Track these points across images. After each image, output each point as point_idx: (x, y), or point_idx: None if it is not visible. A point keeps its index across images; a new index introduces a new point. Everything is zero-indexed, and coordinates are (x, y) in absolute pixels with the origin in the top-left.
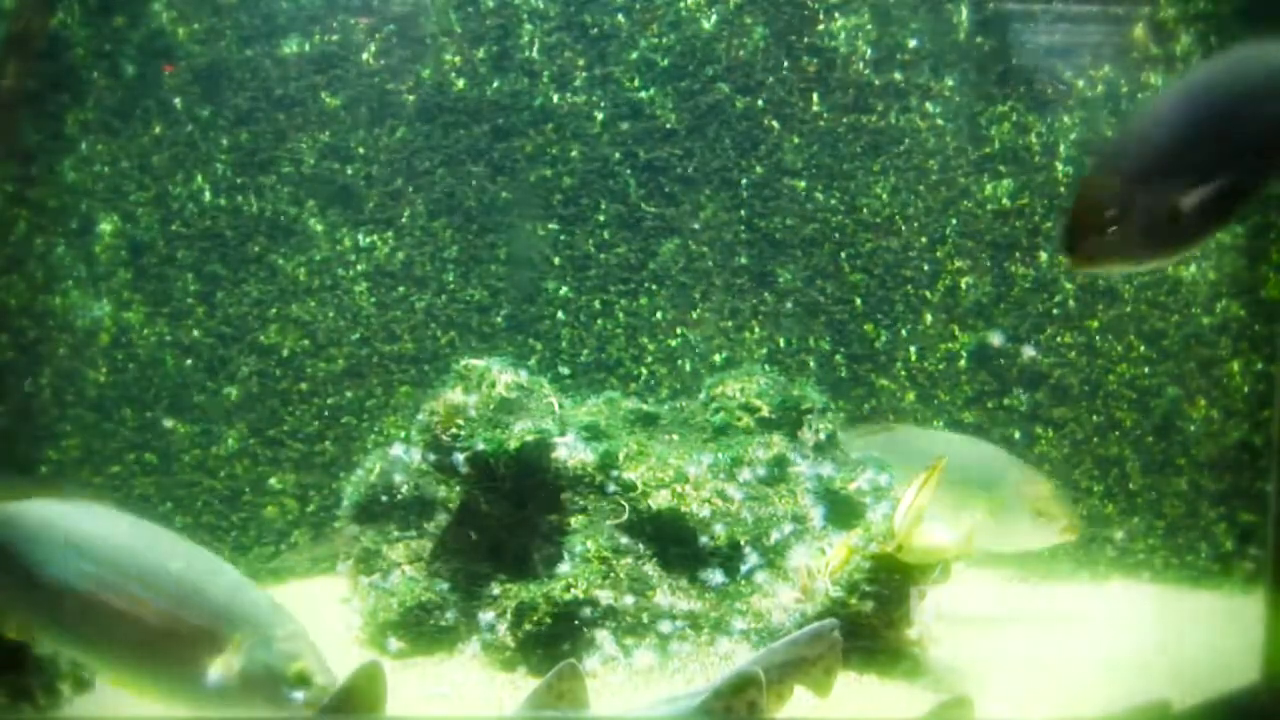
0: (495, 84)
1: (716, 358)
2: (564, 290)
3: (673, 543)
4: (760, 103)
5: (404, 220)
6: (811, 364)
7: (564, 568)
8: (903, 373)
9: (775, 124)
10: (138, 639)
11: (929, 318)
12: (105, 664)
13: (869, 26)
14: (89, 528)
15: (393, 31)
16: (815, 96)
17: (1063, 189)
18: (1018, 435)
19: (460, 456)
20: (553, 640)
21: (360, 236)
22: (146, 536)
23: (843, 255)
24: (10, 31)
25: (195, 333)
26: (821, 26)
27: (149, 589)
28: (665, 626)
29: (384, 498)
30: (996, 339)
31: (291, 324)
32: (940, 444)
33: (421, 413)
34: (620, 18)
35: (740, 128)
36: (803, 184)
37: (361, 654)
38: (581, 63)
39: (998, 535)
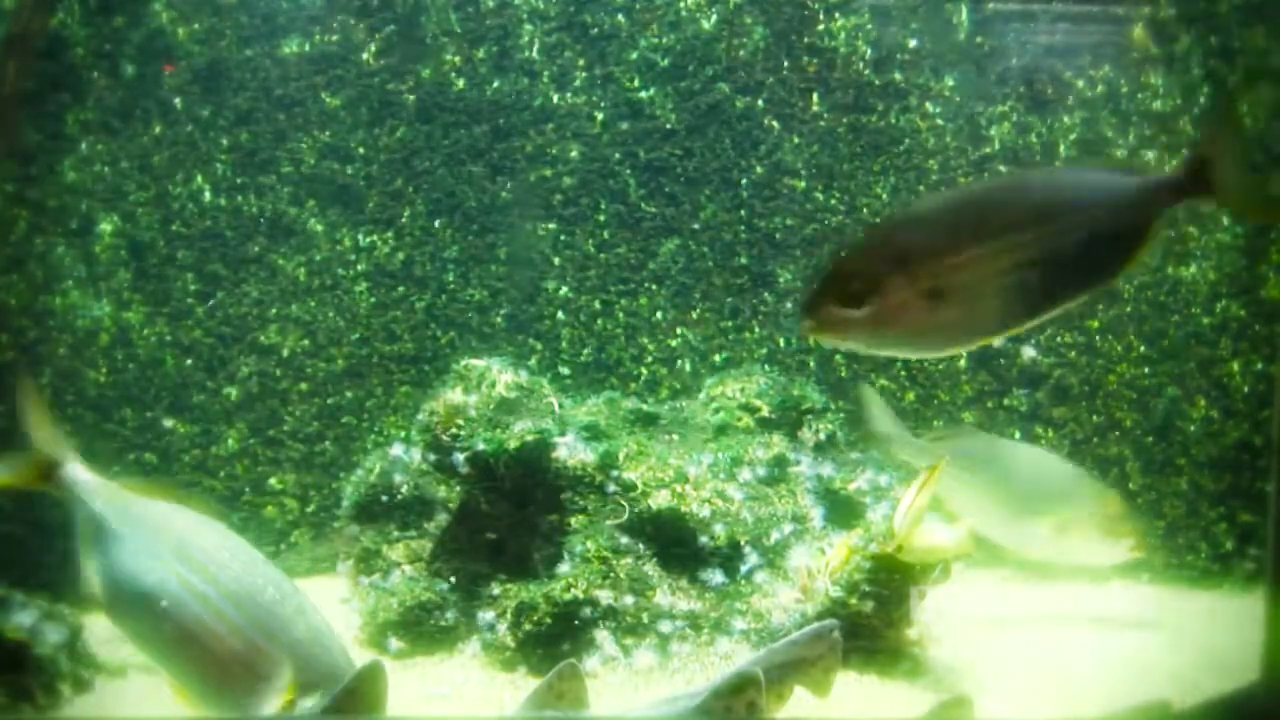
0: (495, 84)
1: (716, 358)
2: (564, 290)
3: (673, 543)
4: (760, 103)
5: (404, 220)
6: (811, 364)
7: (564, 568)
8: (903, 373)
9: (775, 124)
10: (212, 658)
11: None
12: (173, 672)
13: (869, 26)
14: (196, 536)
15: (393, 31)
16: (815, 96)
17: None
18: (1018, 435)
19: (460, 456)
20: (553, 640)
21: (360, 236)
22: (247, 559)
23: None
24: (10, 31)
25: (195, 333)
26: (821, 26)
27: (238, 612)
28: (665, 626)
29: (384, 498)
30: (997, 339)
31: (291, 324)
32: (1011, 454)
33: (421, 413)
34: (620, 18)
35: (740, 128)
36: (803, 184)
37: (361, 654)
38: (581, 63)
39: (1064, 550)
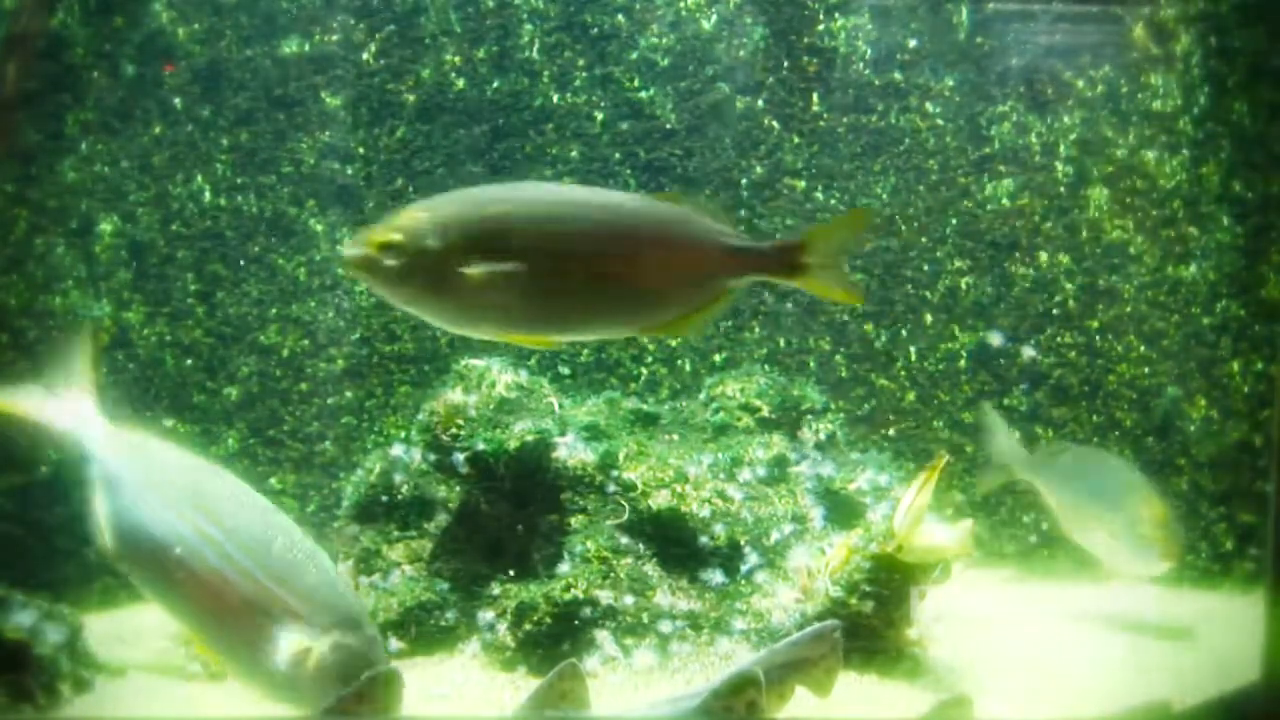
0: (495, 84)
1: (716, 358)
2: None
3: (673, 543)
4: (760, 103)
5: None
6: (811, 364)
7: (564, 568)
8: (903, 373)
9: (775, 124)
10: (225, 604)
11: (929, 318)
12: (187, 621)
13: (869, 26)
14: (206, 482)
15: (393, 31)
16: (815, 96)
17: (1063, 189)
18: (1018, 435)
19: (460, 456)
20: (553, 640)
21: None
22: (256, 506)
23: None
24: (10, 31)
25: (195, 333)
26: (821, 26)
27: (250, 557)
28: (665, 626)
29: (384, 498)
30: (996, 339)
31: (291, 324)
32: (1104, 466)
33: (421, 413)
34: (620, 18)
35: (740, 128)
36: (802, 184)
37: None
38: (581, 63)
39: (1116, 557)
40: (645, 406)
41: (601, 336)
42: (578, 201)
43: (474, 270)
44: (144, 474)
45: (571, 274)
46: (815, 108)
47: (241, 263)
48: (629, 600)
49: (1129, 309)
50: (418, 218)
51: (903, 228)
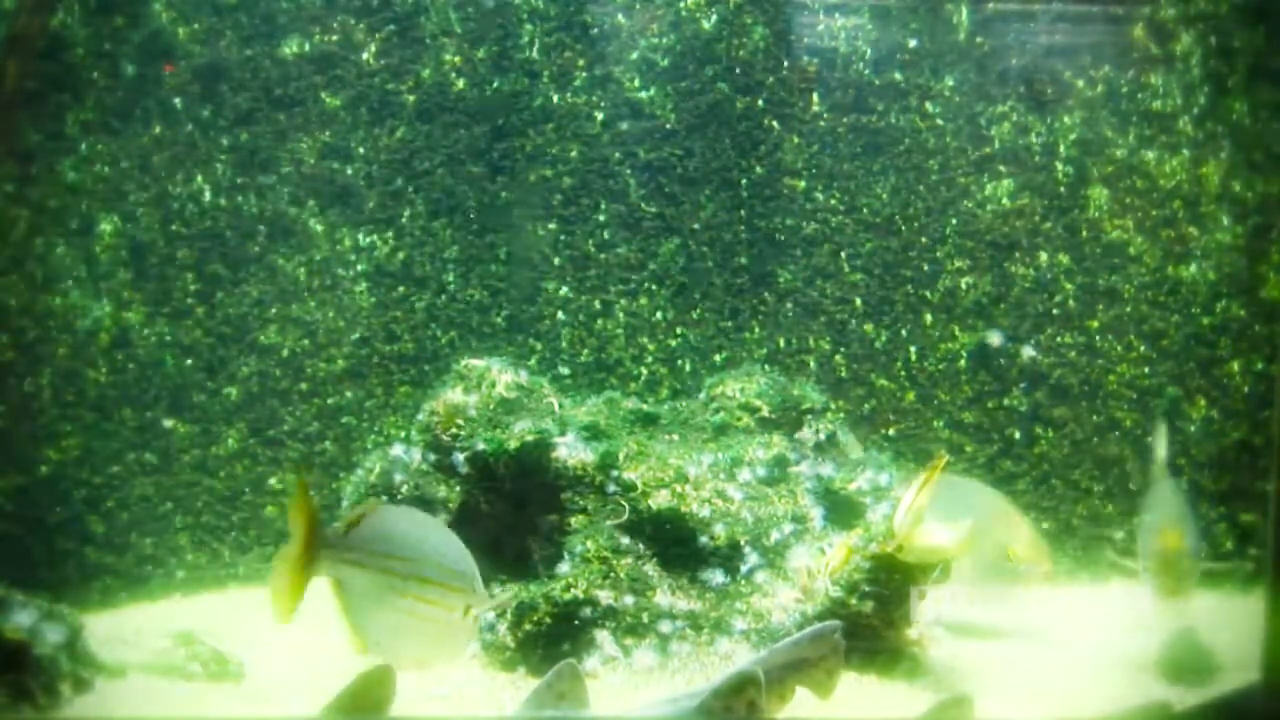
0: (495, 84)
1: (716, 358)
2: (564, 290)
3: (673, 543)
4: (760, 103)
5: (404, 220)
6: (811, 364)
7: (564, 568)
8: (903, 373)
9: (775, 124)
10: (440, 621)
11: (929, 318)
12: (414, 660)
13: (869, 26)
14: (400, 548)
15: (393, 31)
16: (815, 96)
17: (1063, 189)
18: (1018, 435)
19: (460, 456)
20: (553, 640)
21: (360, 236)
22: (424, 526)
23: (843, 255)
24: (10, 31)
25: (195, 333)
26: (821, 26)
27: (447, 573)
28: (665, 626)
29: (384, 498)
30: (996, 339)
31: (291, 324)
32: (1163, 490)
33: (421, 413)
34: (620, 18)
35: (740, 128)
36: (803, 184)
37: (363, 658)
38: (581, 63)
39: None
40: (645, 406)
41: None
42: None
43: None
44: (362, 581)
45: None
46: (815, 108)
47: (241, 263)
48: (629, 600)
49: (1129, 309)
50: None
51: (903, 228)
